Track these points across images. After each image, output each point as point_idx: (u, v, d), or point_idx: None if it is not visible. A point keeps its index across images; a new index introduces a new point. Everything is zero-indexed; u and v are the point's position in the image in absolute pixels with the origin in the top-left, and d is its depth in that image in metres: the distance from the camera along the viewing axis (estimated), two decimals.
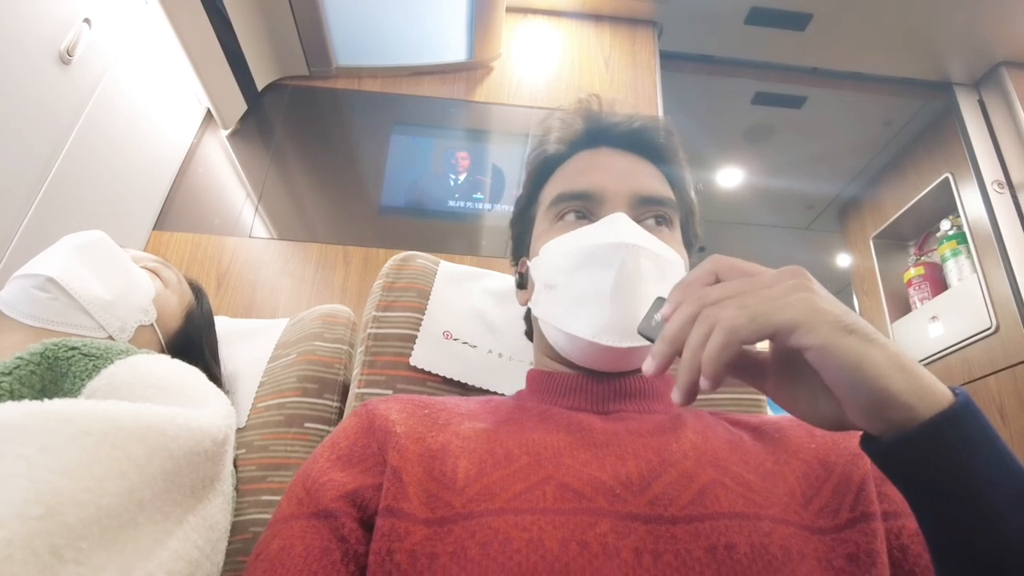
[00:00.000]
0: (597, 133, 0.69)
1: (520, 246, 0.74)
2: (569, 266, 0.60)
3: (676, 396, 0.40)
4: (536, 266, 0.65)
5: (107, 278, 0.75)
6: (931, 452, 0.35)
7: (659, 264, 0.58)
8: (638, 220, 0.62)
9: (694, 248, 0.72)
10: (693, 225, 0.71)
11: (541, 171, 0.71)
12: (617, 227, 0.59)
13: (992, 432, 0.36)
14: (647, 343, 0.53)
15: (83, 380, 0.56)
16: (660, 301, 0.48)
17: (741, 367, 0.46)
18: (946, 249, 2.08)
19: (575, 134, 0.70)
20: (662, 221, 0.64)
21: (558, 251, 0.62)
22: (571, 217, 0.64)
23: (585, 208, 0.63)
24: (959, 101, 2.03)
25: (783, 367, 0.44)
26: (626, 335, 0.56)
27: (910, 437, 0.36)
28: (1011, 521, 0.34)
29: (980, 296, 1.85)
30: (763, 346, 0.45)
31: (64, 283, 0.70)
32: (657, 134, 0.68)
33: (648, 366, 0.43)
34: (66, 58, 1.11)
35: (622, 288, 0.56)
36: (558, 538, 0.42)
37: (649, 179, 0.65)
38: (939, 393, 0.36)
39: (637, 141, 0.68)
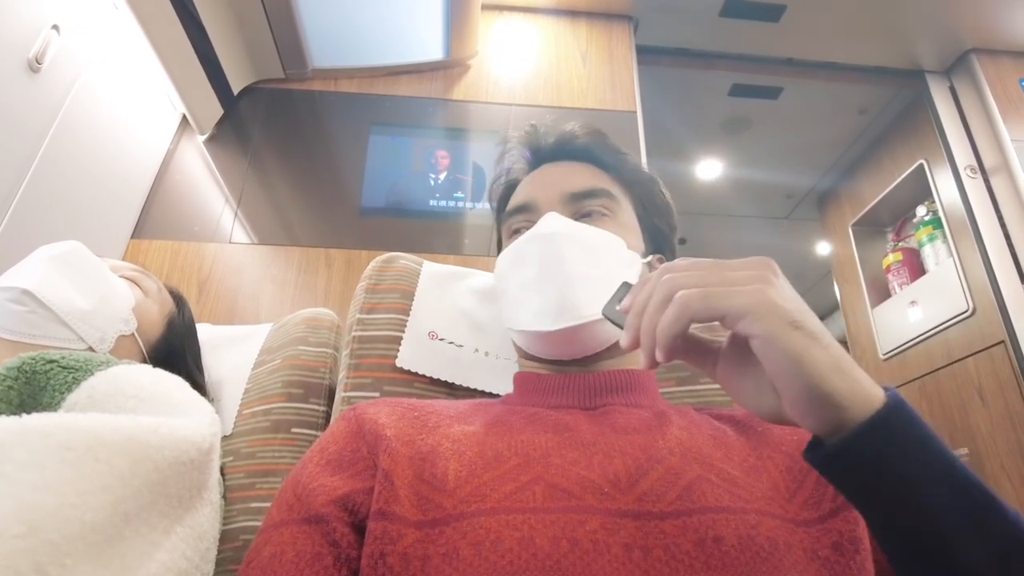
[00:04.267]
0: (537, 156, 0.77)
1: None
2: (506, 269, 0.67)
3: (641, 360, 0.43)
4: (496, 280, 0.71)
5: (85, 288, 0.73)
6: (862, 460, 0.36)
7: (585, 247, 0.62)
8: (576, 216, 0.67)
9: (668, 225, 0.76)
10: (656, 197, 0.76)
11: (501, 200, 0.80)
12: (541, 224, 0.65)
13: (924, 431, 0.37)
14: (585, 320, 0.58)
15: (62, 393, 0.55)
16: (626, 286, 0.50)
17: (692, 349, 0.47)
18: (923, 235, 2.11)
19: (521, 163, 0.79)
20: (599, 209, 0.68)
21: (501, 260, 0.69)
22: (516, 229, 0.71)
23: (527, 219, 0.70)
24: (931, 88, 2.06)
25: (734, 355, 0.45)
26: (558, 317, 0.59)
27: (843, 446, 0.37)
28: (949, 519, 0.35)
29: (957, 280, 1.88)
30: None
31: (41, 295, 0.68)
32: (577, 137, 0.75)
33: (623, 340, 0.45)
34: (35, 66, 1.08)
35: (545, 275, 0.61)
36: (549, 536, 0.42)
37: (578, 176, 0.71)
38: (872, 396, 0.37)
39: (565, 149, 0.75)
